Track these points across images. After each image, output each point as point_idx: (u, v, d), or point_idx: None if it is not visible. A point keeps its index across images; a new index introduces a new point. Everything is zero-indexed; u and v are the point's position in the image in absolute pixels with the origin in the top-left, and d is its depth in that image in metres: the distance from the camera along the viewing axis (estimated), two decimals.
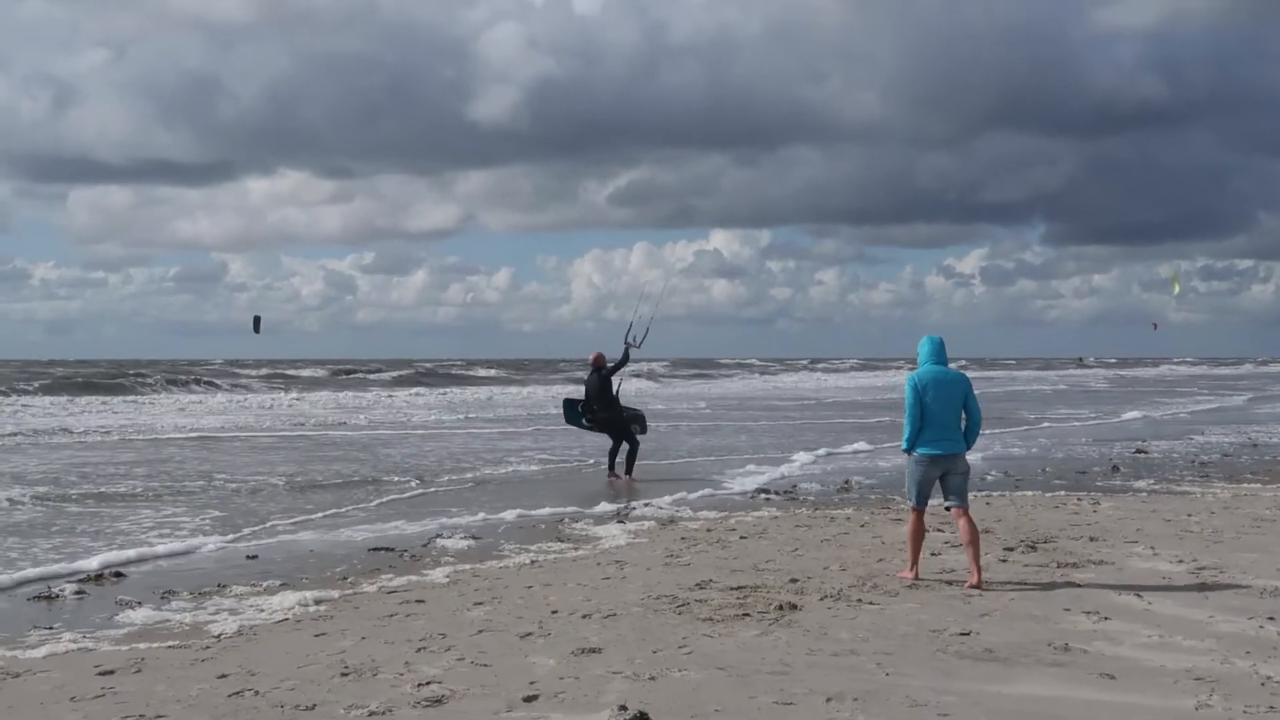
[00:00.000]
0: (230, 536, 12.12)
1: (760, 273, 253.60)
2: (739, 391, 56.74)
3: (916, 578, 9.32)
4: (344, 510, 14.33)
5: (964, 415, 9.21)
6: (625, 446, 17.72)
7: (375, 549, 11.44)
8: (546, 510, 14.01)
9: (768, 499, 15.34)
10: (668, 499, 15.12)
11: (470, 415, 34.64)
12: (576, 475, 18.51)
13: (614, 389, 17.83)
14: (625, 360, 17.75)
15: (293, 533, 12.49)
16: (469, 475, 18.46)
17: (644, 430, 18.78)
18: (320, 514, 13.87)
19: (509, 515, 13.64)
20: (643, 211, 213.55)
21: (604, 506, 14.42)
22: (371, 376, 69.08)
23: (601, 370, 17.82)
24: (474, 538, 12.10)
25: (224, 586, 9.53)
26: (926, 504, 9.32)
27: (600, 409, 17.84)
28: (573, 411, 18.77)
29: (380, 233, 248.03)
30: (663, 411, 34.98)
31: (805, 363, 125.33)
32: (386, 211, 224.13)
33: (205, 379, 57.42)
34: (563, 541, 11.91)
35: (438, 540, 11.87)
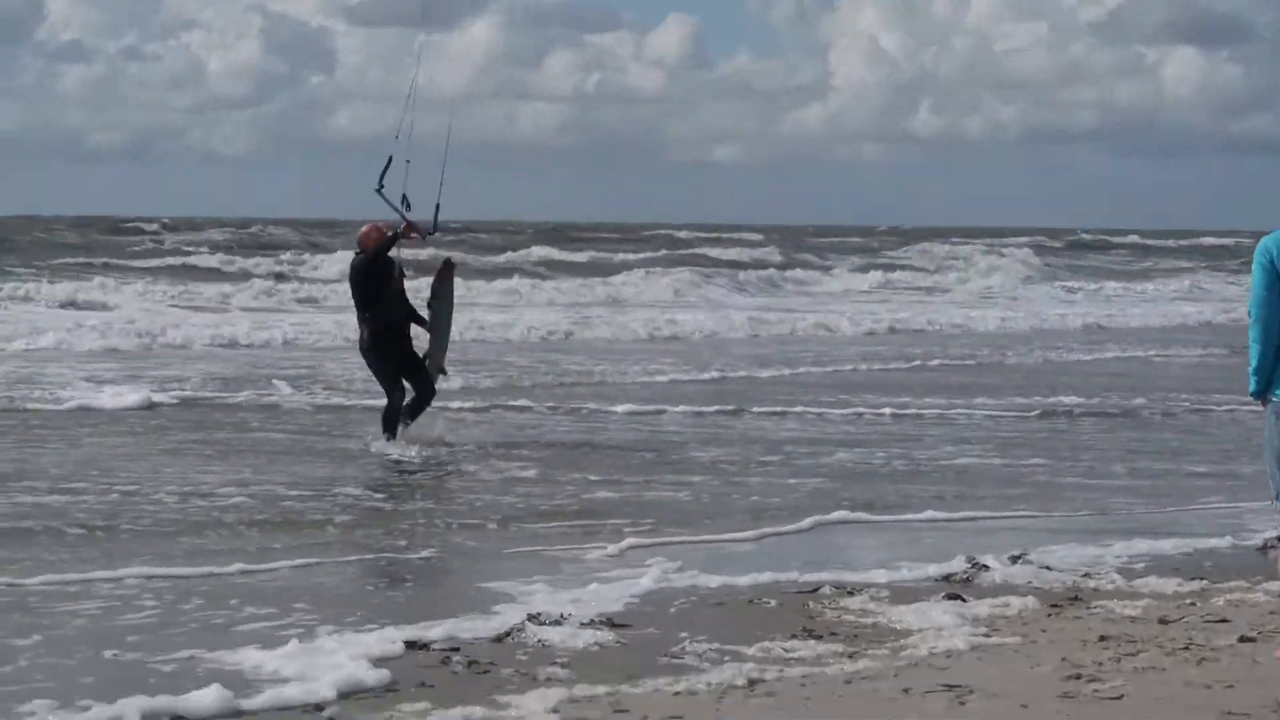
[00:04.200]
0: None
1: None
2: None
3: None
4: (308, 563, 12.21)
5: None
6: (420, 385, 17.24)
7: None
8: (773, 571, 11.83)
9: None
10: (1074, 550, 12.76)
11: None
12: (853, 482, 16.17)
13: (396, 280, 16.93)
14: (396, 236, 16.73)
15: None
16: (603, 484, 15.59)
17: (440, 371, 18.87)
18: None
19: (688, 577, 11.55)
20: None
21: (913, 566, 12.10)
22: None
23: (365, 252, 16.76)
24: (611, 624, 10.14)
25: None
26: None
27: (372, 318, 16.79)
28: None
29: None
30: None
31: None
32: None
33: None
34: (817, 637, 9.87)
35: (528, 629, 9.93)
